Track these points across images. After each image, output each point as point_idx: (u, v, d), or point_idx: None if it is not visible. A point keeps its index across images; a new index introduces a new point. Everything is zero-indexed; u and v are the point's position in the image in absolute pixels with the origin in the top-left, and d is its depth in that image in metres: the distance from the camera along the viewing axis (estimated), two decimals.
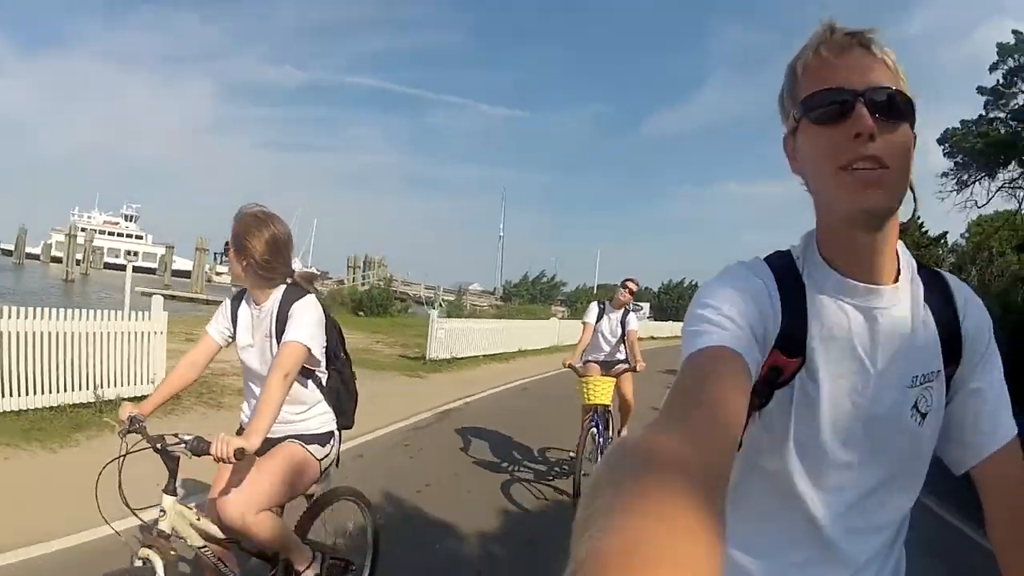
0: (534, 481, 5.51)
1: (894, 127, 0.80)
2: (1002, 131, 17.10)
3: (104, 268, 60.01)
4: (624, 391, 5.65)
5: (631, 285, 5.66)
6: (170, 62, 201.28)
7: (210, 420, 6.57)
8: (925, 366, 0.89)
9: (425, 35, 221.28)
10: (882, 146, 0.79)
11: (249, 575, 2.54)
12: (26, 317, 5.77)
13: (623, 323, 5.64)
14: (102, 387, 6.29)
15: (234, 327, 2.49)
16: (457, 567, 3.75)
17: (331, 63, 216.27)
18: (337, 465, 2.66)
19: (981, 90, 17.38)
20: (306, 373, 2.41)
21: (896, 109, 0.81)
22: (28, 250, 68.57)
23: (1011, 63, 16.70)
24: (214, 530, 2.27)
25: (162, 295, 8.19)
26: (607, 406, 5.20)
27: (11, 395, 5.62)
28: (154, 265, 57.06)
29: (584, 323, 5.75)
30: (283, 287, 2.41)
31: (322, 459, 2.48)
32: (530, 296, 48.23)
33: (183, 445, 2.07)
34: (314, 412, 2.48)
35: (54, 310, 6.07)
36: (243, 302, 2.49)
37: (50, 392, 5.90)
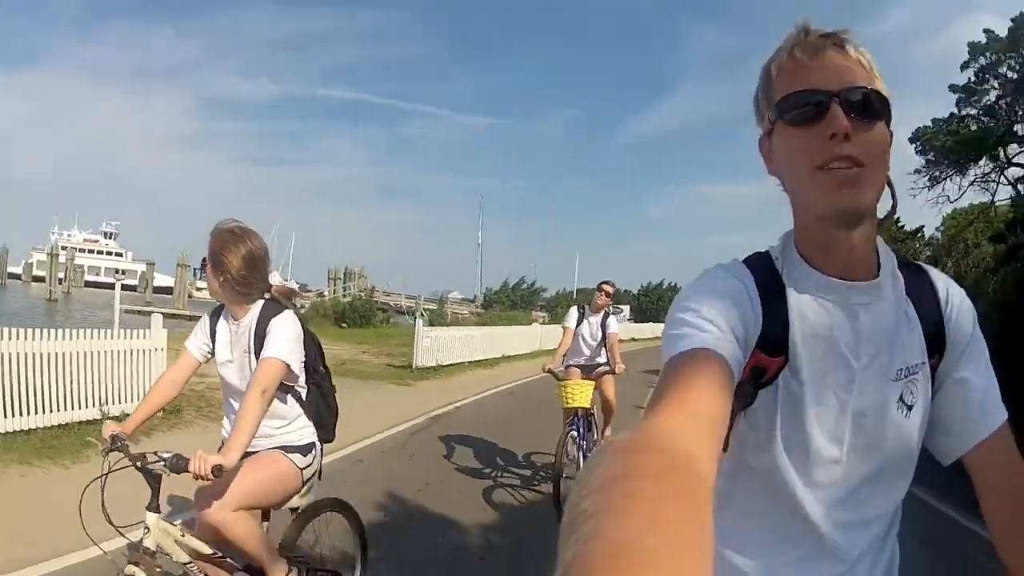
0: (520, 486, 5.64)
1: (870, 126, 0.81)
2: (973, 128, 17.50)
3: (85, 286, 60.06)
4: (606, 393, 5.67)
5: (607, 288, 5.70)
6: (145, 77, 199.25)
7: (212, 433, 6.53)
8: (909, 359, 0.90)
9: (398, 46, 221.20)
10: (858, 145, 0.79)
11: None
12: (34, 338, 5.96)
13: (603, 326, 5.67)
14: (107, 404, 6.43)
15: (213, 343, 2.50)
16: (460, 558, 3.99)
17: (305, 75, 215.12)
18: (320, 478, 2.65)
19: (953, 88, 17.76)
20: (285, 388, 2.42)
21: (871, 108, 0.81)
22: (10, 269, 68.01)
23: (983, 61, 17.08)
24: (199, 546, 2.27)
25: (162, 313, 8.28)
26: (588, 409, 5.19)
27: (21, 415, 5.77)
28: (135, 282, 56.61)
29: (564, 328, 5.77)
30: (261, 302, 2.42)
31: (304, 469, 2.48)
32: (511, 302, 48.27)
33: (162, 463, 2.08)
34: (295, 426, 2.49)
35: (58, 330, 6.27)
36: (221, 318, 2.49)
37: (58, 411, 6.06)
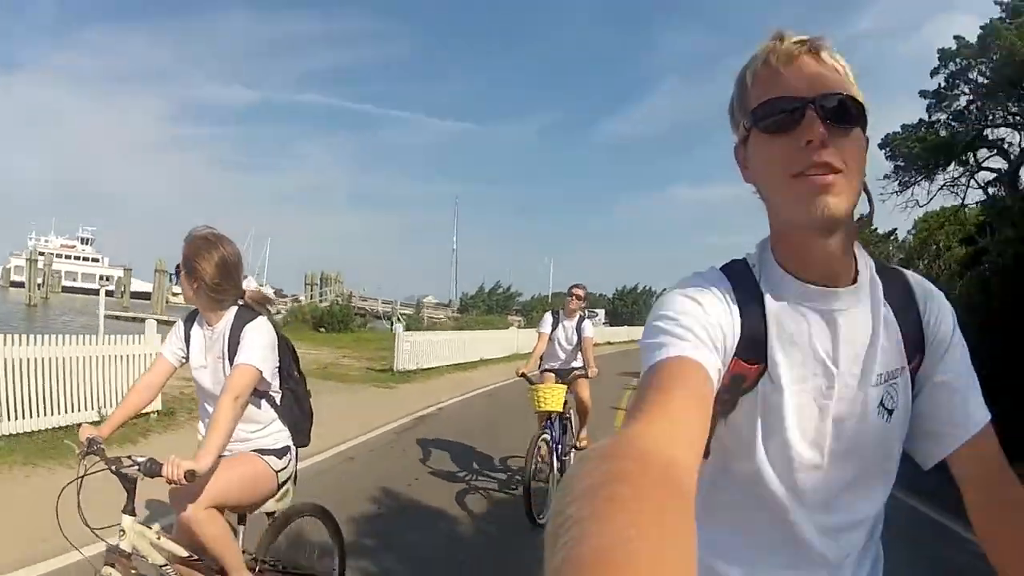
0: (502, 486, 5.81)
1: (846, 132, 0.80)
2: (942, 133, 17.81)
3: (63, 292, 60.31)
4: (581, 395, 5.72)
5: (578, 291, 5.77)
6: (120, 83, 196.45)
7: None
8: (888, 363, 0.90)
9: (374, 51, 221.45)
10: (834, 152, 0.79)
11: None
12: (32, 344, 6.24)
13: (579, 330, 5.71)
14: (105, 406, 6.69)
15: (187, 347, 2.50)
16: (455, 543, 4.27)
17: (280, 81, 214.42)
18: (295, 482, 2.65)
19: (924, 93, 18.07)
20: (259, 393, 2.42)
21: (847, 114, 0.81)
22: None
23: (952, 67, 17.40)
24: (175, 548, 2.29)
25: (154, 319, 8.48)
26: (562, 412, 5.20)
27: (23, 417, 6.04)
28: (111, 287, 55.94)
29: (539, 333, 5.82)
30: (235, 308, 2.43)
31: (279, 471, 2.49)
32: (486, 307, 48.65)
33: (137, 467, 2.11)
34: (269, 430, 2.49)
35: (58, 336, 6.56)
36: (196, 323, 2.50)
37: (58, 413, 6.34)
